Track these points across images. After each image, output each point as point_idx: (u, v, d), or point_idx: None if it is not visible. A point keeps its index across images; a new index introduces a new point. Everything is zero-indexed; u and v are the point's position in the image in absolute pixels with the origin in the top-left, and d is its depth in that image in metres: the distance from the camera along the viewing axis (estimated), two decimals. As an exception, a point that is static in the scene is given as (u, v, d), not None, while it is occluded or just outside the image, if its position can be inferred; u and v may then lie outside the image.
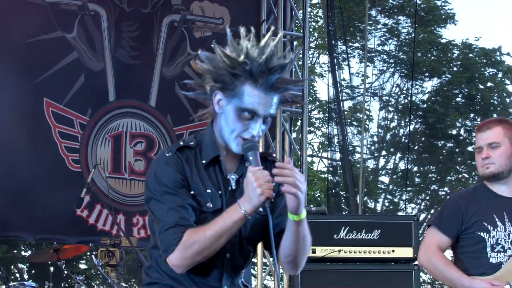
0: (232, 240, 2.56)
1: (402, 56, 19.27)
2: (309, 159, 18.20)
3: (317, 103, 19.24)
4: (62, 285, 14.94)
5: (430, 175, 19.99)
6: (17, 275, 16.00)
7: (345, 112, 14.31)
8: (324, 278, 5.25)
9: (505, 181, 3.74)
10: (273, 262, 7.27)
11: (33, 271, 15.99)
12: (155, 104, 7.36)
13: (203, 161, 2.63)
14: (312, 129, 18.97)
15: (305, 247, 2.57)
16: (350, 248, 5.29)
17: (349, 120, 17.57)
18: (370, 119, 18.69)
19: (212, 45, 2.55)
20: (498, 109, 19.00)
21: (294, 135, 7.99)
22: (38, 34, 6.93)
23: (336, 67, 9.31)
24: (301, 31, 8.06)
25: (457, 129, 19.68)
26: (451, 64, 19.61)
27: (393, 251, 5.31)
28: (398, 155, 19.96)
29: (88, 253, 13.16)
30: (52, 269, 12.17)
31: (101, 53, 7.20)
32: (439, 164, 19.68)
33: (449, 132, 19.49)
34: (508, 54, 19.40)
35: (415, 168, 19.74)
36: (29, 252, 15.84)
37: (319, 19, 18.68)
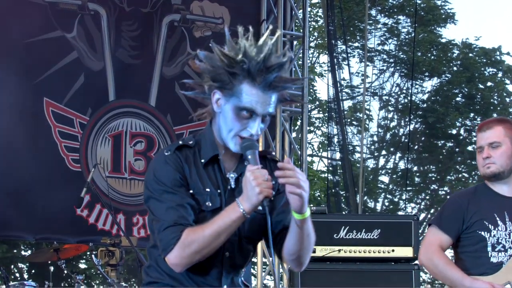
0: (231, 239, 2.56)
1: (402, 55, 19.26)
2: (309, 158, 18.20)
3: (317, 102, 19.24)
4: (62, 284, 14.94)
5: (430, 175, 19.99)
6: (17, 274, 16.00)
7: (345, 112, 14.31)
8: (324, 277, 5.25)
9: (506, 181, 3.75)
10: (273, 261, 7.27)
11: (33, 271, 15.99)
12: (155, 103, 7.36)
13: (202, 160, 2.63)
14: (312, 128, 18.97)
15: (309, 245, 2.58)
16: (350, 248, 5.30)
17: (349, 120, 17.57)
18: (370, 118, 18.69)
19: (210, 44, 2.56)
20: (498, 108, 18.99)
21: (294, 134, 7.99)
22: (38, 33, 6.93)
23: (336, 66, 9.30)
24: (301, 30, 8.06)
25: (457, 128, 19.68)
26: (451, 64, 19.60)
27: (393, 250, 5.31)
28: (398, 154, 19.96)
29: (88, 253, 13.16)
30: (52, 268, 12.18)
31: (101, 53, 7.20)
32: (439, 163, 19.68)
33: (449, 131, 19.49)
34: (508, 53, 19.40)
35: (415, 168, 19.73)
36: (29, 251, 15.84)
37: (319, 19, 18.69)
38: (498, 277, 3.60)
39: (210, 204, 2.59)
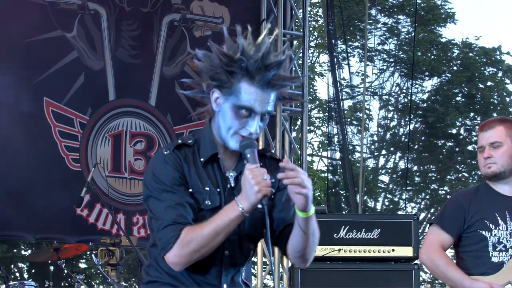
0: (231, 238, 2.56)
1: (402, 55, 19.26)
2: (309, 158, 18.20)
3: (317, 102, 19.24)
4: (62, 284, 14.93)
5: (430, 174, 19.98)
6: (17, 274, 15.99)
7: (345, 111, 14.31)
8: (324, 277, 5.25)
9: (507, 181, 3.75)
10: (273, 261, 7.27)
11: (33, 271, 15.98)
12: (155, 103, 7.36)
13: (201, 159, 2.63)
14: (312, 128, 18.97)
15: (314, 241, 2.59)
16: (350, 247, 5.29)
17: (349, 119, 17.57)
18: (370, 118, 18.69)
19: (208, 43, 2.57)
20: (498, 108, 18.99)
21: (294, 134, 8.00)
22: (38, 33, 6.93)
23: (336, 66, 9.30)
24: (301, 30, 8.06)
25: (457, 128, 19.67)
26: (451, 64, 19.60)
27: (393, 250, 5.30)
28: (398, 154, 19.96)
29: (88, 252, 13.16)
30: (52, 268, 12.15)
31: (101, 53, 7.20)
32: (439, 163, 19.68)
33: (449, 131, 19.49)
34: (508, 53, 19.40)
35: (415, 167, 19.73)
36: (29, 251, 15.83)
37: (319, 18, 18.69)
38: (499, 277, 3.60)
39: (210, 203, 2.59)
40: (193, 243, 2.48)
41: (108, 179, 6.81)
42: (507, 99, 19.48)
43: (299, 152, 7.76)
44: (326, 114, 15.71)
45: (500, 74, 19.50)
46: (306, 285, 5.21)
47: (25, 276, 15.79)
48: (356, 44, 18.87)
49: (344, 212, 10.87)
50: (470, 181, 19.06)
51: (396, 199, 19.67)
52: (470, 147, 19.21)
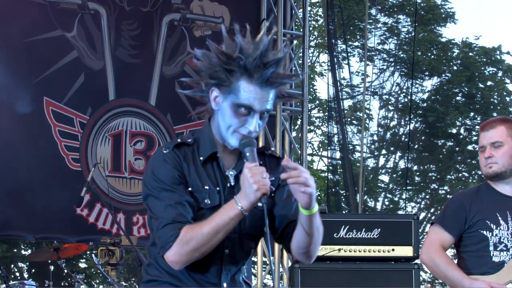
0: (231, 236, 2.56)
1: (402, 55, 19.26)
2: (309, 158, 18.19)
3: (317, 102, 19.24)
4: (62, 284, 14.93)
5: (430, 174, 19.98)
6: (17, 274, 15.99)
7: (345, 111, 14.30)
8: (324, 277, 5.25)
9: (508, 181, 3.75)
10: (273, 260, 7.27)
11: (33, 270, 15.98)
12: (155, 103, 7.36)
13: (201, 158, 2.63)
14: (312, 128, 18.97)
15: (319, 238, 2.59)
16: (350, 247, 5.29)
17: (349, 119, 17.57)
18: (370, 118, 18.69)
19: (206, 42, 2.57)
20: (498, 108, 18.99)
21: (294, 134, 8.00)
22: (38, 33, 6.93)
23: (336, 66, 9.30)
24: (301, 30, 8.06)
25: (457, 128, 19.67)
26: (451, 63, 19.60)
27: (393, 250, 5.30)
28: (398, 154, 19.95)
29: (88, 252, 13.16)
30: (52, 268, 12.14)
31: (101, 52, 7.20)
32: (439, 163, 19.67)
33: (449, 131, 19.48)
34: (508, 53, 19.39)
35: (415, 167, 19.73)
36: (29, 251, 15.83)
37: (319, 18, 18.68)
38: (500, 276, 3.61)
39: (209, 202, 2.59)
40: (192, 242, 2.47)
41: (108, 178, 6.81)
42: (507, 98, 19.48)
43: (299, 151, 7.76)
44: (326, 113, 15.71)
45: (500, 74, 19.50)
46: (306, 285, 5.20)
47: (25, 275, 15.79)
48: (356, 43, 18.87)
49: (344, 212, 10.88)
50: (470, 180, 19.05)
51: (396, 199, 19.66)
52: (470, 147, 19.21)
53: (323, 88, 22.81)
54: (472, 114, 19.35)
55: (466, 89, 19.17)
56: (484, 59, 19.35)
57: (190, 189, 2.58)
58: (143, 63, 7.36)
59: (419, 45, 18.33)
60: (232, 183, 2.63)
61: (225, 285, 2.62)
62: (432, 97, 19.54)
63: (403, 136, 19.70)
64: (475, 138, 18.81)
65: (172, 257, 2.51)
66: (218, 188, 2.61)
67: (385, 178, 19.94)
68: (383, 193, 19.74)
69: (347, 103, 17.76)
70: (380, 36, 18.89)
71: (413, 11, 18.21)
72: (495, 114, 17.80)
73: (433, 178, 19.94)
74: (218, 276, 2.62)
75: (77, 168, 6.98)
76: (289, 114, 7.94)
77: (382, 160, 20.01)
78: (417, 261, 5.30)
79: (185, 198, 2.55)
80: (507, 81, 19.50)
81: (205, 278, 2.61)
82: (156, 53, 7.40)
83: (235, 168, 2.64)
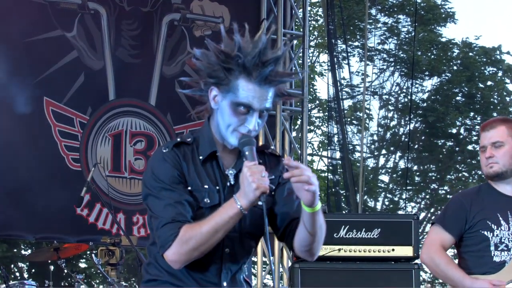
0: (231, 235, 2.56)
1: (402, 55, 19.26)
2: (309, 158, 18.19)
3: (317, 102, 19.24)
4: (62, 284, 14.93)
5: (430, 174, 19.97)
6: (17, 274, 15.99)
7: (345, 111, 14.31)
8: (324, 277, 5.25)
9: (509, 181, 3.76)
10: (273, 260, 7.27)
11: (33, 270, 15.98)
12: (155, 103, 7.36)
13: (200, 157, 2.63)
14: (312, 128, 18.97)
15: (321, 236, 2.60)
16: (350, 247, 5.28)
17: (349, 119, 17.57)
18: (370, 118, 18.69)
19: (205, 41, 2.57)
20: (498, 108, 18.98)
21: (294, 134, 8.00)
22: (38, 33, 6.93)
23: (336, 66, 9.29)
24: (301, 30, 8.06)
25: (457, 128, 19.66)
26: (451, 63, 19.59)
27: (393, 250, 5.30)
28: (398, 154, 19.95)
29: (88, 252, 13.17)
30: (52, 268, 12.13)
31: (101, 52, 7.20)
32: (439, 163, 19.67)
33: (449, 131, 19.48)
34: (508, 53, 19.39)
35: (415, 167, 19.72)
36: (29, 251, 15.83)
37: (319, 18, 18.68)
38: (501, 276, 3.61)
39: (209, 201, 2.59)
40: (192, 241, 2.47)
41: (108, 178, 6.81)
42: (507, 98, 19.47)
43: (299, 151, 7.76)
44: (326, 113, 15.71)
45: (500, 73, 19.50)
46: (306, 285, 5.20)
47: (25, 275, 15.80)
48: (356, 43, 18.87)
49: (344, 212, 10.88)
50: (470, 180, 19.05)
51: (396, 199, 19.66)
52: (470, 147, 19.21)
53: (323, 88, 22.82)
54: (472, 114, 19.35)
55: (466, 89, 19.17)
56: (484, 59, 19.35)
57: (189, 188, 2.58)
58: (143, 63, 7.36)
59: (419, 45, 18.33)
60: (232, 182, 2.62)
61: (225, 284, 2.62)
62: (432, 97, 19.54)
63: (403, 136, 19.70)
64: (475, 138, 18.82)
65: (172, 256, 2.51)
66: (217, 187, 2.61)
67: (385, 178, 19.95)
68: (383, 193, 19.74)
69: (347, 103, 17.78)
70: (380, 36, 18.90)
71: (413, 11, 18.21)
72: (495, 114, 17.80)
73: (433, 178, 19.94)
74: (218, 275, 2.62)
75: (77, 168, 6.99)
76: (289, 114, 7.94)
77: (382, 160, 20.03)
78: (417, 261, 5.30)
79: (185, 197, 2.55)
80: (507, 81, 19.50)
81: (204, 277, 2.61)
82: (156, 53, 7.40)
83: (235, 167, 2.64)
